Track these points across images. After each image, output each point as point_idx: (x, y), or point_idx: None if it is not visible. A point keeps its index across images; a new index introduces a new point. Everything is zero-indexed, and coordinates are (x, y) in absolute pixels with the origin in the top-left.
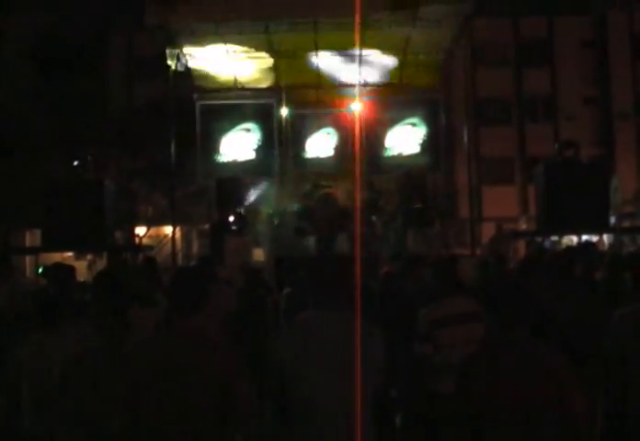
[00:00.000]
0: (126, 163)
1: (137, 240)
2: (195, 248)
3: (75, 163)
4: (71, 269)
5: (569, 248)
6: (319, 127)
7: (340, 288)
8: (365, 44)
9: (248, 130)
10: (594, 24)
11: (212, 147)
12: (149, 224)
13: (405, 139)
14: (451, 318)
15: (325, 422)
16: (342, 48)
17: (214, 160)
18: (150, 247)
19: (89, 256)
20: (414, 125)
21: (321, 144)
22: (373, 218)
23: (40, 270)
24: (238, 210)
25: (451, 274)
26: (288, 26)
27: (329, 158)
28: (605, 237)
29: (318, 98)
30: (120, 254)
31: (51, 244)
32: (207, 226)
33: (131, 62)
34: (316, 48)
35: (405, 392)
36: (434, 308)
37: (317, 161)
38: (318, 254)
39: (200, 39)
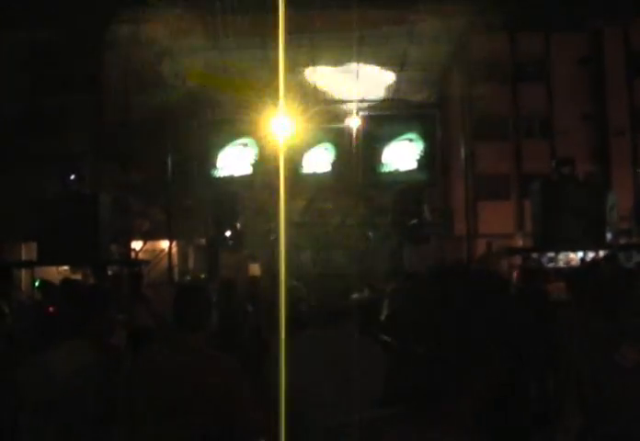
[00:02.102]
0: (122, 176)
1: (133, 254)
2: (191, 263)
3: (72, 176)
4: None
5: None
6: (316, 142)
7: (339, 305)
8: (362, 60)
9: (245, 145)
10: (590, 40)
11: (209, 162)
12: (145, 238)
13: (403, 154)
14: None
15: (324, 436)
16: (339, 63)
17: (211, 174)
18: (146, 262)
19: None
20: (411, 140)
21: (318, 160)
22: (369, 233)
23: (37, 284)
24: (235, 225)
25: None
26: (285, 41)
27: (326, 173)
28: (601, 254)
29: (315, 114)
30: (105, 268)
31: (46, 258)
32: (203, 241)
33: (127, 75)
34: (314, 63)
35: None
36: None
37: (314, 176)
38: (318, 271)
39: (197, 53)
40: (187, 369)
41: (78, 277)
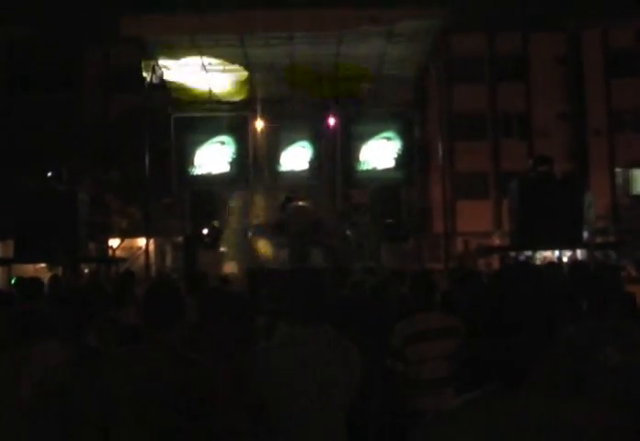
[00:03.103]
0: (100, 174)
1: (110, 252)
2: (169, 260)
3: (49, 174)
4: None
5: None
6: (294, 140)
7: (316, 303)
8: (340, 58)
9: (223, 143)
10: (569, 40)
11: (187, 159)
12: (123, 236)
13: (380, 153)
14: (423, 333)
15: (301, 437)
16: (317, 62)
17: (189, 172)
18: (123, 259)
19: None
20: (388, 139)
21: (296, 158)
22: (347, 231)
23: (13, 281)
24: (212, 223)
25: (426, 289)
26: (263, 39)
27: (304, 171)
28: (578, 252)
29: (293, 112)
30: (77, 266)
31: (23, 256)
32: (181, 238)
33: (106, 73)
34: (292, 61)
35: (380, 408)
36: (408, 323)
37: (292, 174)
38: (293, 268)
39: (175, 51)
40: (156, 370)
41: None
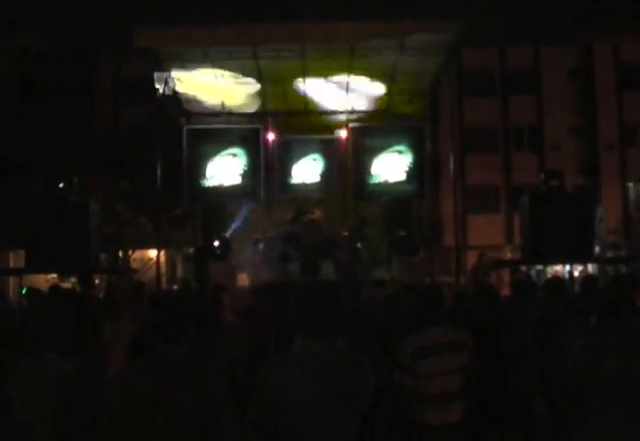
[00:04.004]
0: (111, 185)
1: (121, 263)
2: (179, 272)
3: (61, 184)
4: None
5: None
6: (305, 153)
7: (330, 317)
8: (352, 71)
9: (235, 155)
10: (580, 54)
11: (198, 171)
12: (134, 247)
13: (391, 166)
14: (431, 348)
15: None
16: (329, 75)
17: (200, 184)
18: (134, 270)
19: (73, 278)
20: (400, 152)
21: (307, 170)
22: (358, 244)
23: (25, 291)
24: (223, 235)
25: (435, 303)
26: (275, 52)
27: (315, 184)
28: (589, 267)
29: (305, 124)
30: (91, 278)
31: (34, 266)
32: (191, 250)
33: (118, 84)
34: (304, 74)
35: (388, 422)
36: (416, 337)
37: (303, 187)
38: (304, 281)
39: (188, 63)
40: (163, 381)
41: (68, 284)
